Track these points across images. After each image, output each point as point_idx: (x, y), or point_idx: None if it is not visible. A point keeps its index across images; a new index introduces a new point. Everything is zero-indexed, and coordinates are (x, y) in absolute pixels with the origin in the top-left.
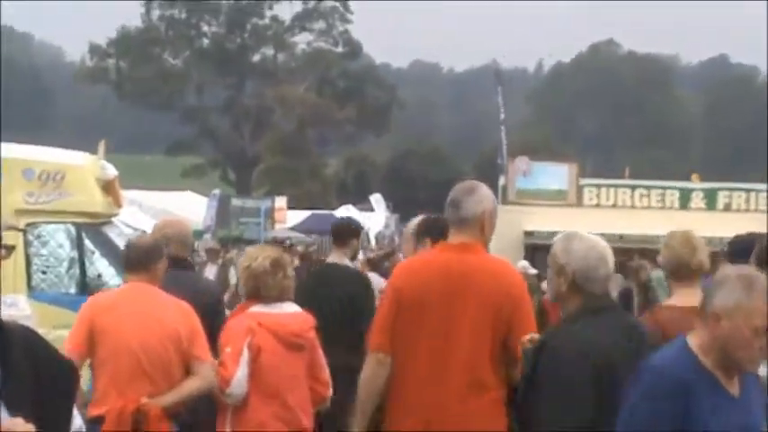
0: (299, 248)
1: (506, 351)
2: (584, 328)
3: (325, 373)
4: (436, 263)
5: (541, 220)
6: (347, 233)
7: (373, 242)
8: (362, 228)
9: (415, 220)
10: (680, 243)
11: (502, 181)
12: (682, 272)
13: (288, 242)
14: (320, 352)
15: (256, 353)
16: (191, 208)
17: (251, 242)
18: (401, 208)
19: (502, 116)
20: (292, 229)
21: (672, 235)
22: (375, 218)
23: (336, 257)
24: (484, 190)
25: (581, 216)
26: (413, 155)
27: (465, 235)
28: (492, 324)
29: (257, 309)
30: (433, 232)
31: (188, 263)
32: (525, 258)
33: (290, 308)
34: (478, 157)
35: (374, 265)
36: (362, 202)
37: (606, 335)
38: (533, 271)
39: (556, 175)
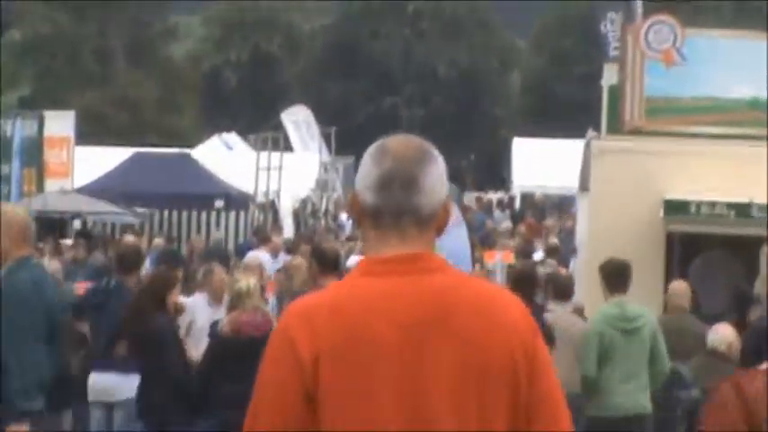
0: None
1: None
2: None
3: None
4: (379, 298)
5: (705, 174)
6: None
7: (288, 223)
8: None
9: None
10: None
11: (609, 77)
12: None
13: (75, 224)
14: None
15: None
16: None
17: None
18: (358, 138)
19: None
20: (84, 191)
21: None
22: (297, 161)
23: None
24: (438, 153)
25: None
26: (385, 11)
27: (415, 239)
28: (497, 408)
29: None
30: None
31: None
32: (671, 264)
33: None
34: (543, 22)
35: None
36: (265, 124)
37: None
38: None
39: (742, 62)
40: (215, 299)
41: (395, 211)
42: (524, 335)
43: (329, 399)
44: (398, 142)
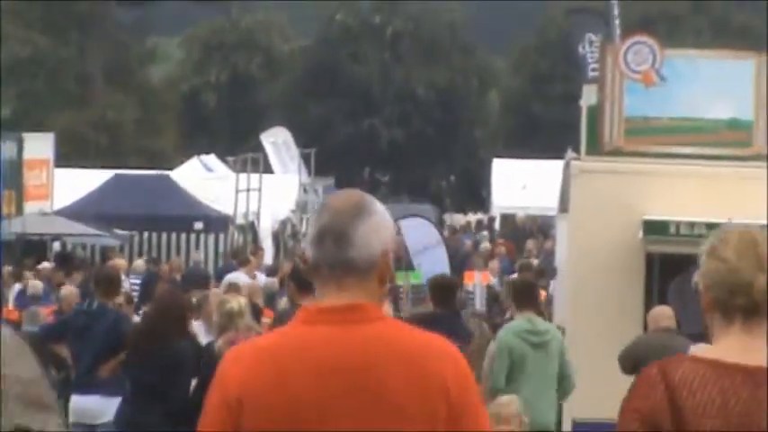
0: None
1: None
2: None
3: None
4: (308, 346)
5: (685, 194)
6: None
7: (268, 245)
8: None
9: None
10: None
11: (588, 97)
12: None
13: (55, 246)
14: None
15: None
16: None
17: None
18: (338, 159)
19: None
20: (64, 213)
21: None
22: (276, 183)
23: None
24: (379, 207)
25: None
26: (364, 34)
27: (353, 290)
28: None
29: None
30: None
31: None
32: (650, 284)
33: None
34: (522, 42)
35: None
36: (245, 145)
37: None
38: None
39: (722, 82)
40: (211, 326)
41: (329, 264)
42: (451, 391)
43: None
44: (338, 198)
